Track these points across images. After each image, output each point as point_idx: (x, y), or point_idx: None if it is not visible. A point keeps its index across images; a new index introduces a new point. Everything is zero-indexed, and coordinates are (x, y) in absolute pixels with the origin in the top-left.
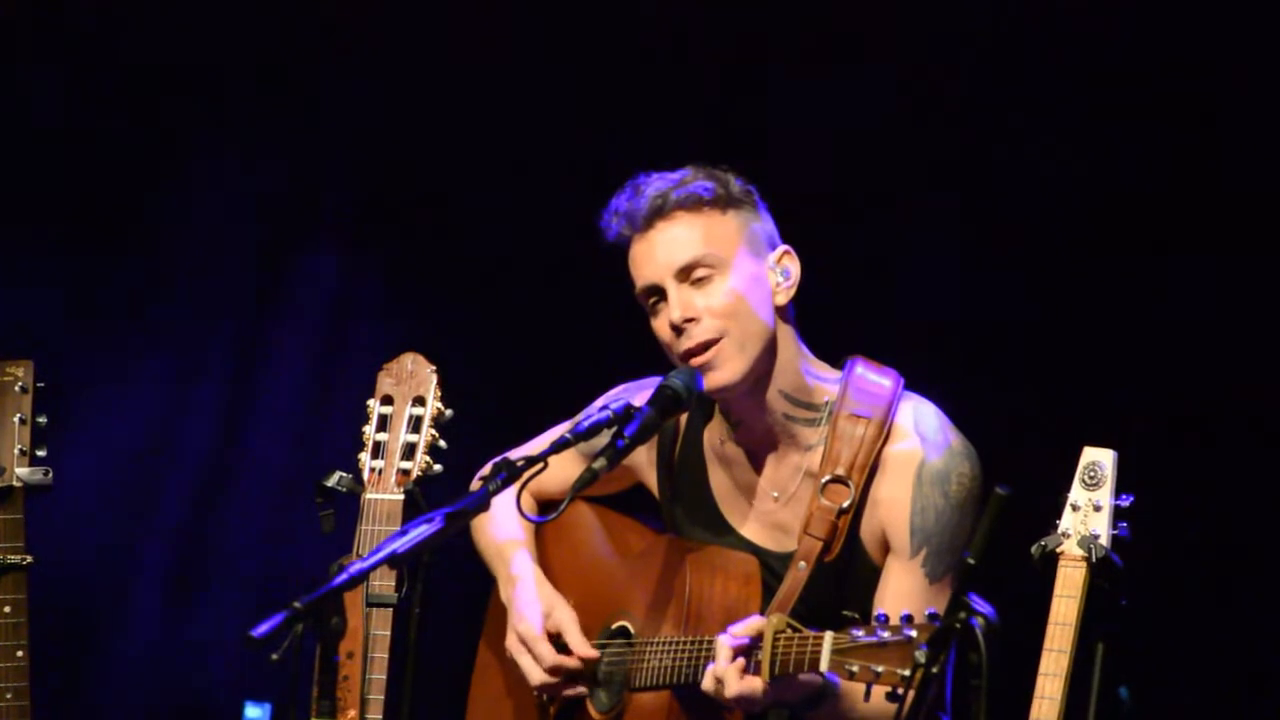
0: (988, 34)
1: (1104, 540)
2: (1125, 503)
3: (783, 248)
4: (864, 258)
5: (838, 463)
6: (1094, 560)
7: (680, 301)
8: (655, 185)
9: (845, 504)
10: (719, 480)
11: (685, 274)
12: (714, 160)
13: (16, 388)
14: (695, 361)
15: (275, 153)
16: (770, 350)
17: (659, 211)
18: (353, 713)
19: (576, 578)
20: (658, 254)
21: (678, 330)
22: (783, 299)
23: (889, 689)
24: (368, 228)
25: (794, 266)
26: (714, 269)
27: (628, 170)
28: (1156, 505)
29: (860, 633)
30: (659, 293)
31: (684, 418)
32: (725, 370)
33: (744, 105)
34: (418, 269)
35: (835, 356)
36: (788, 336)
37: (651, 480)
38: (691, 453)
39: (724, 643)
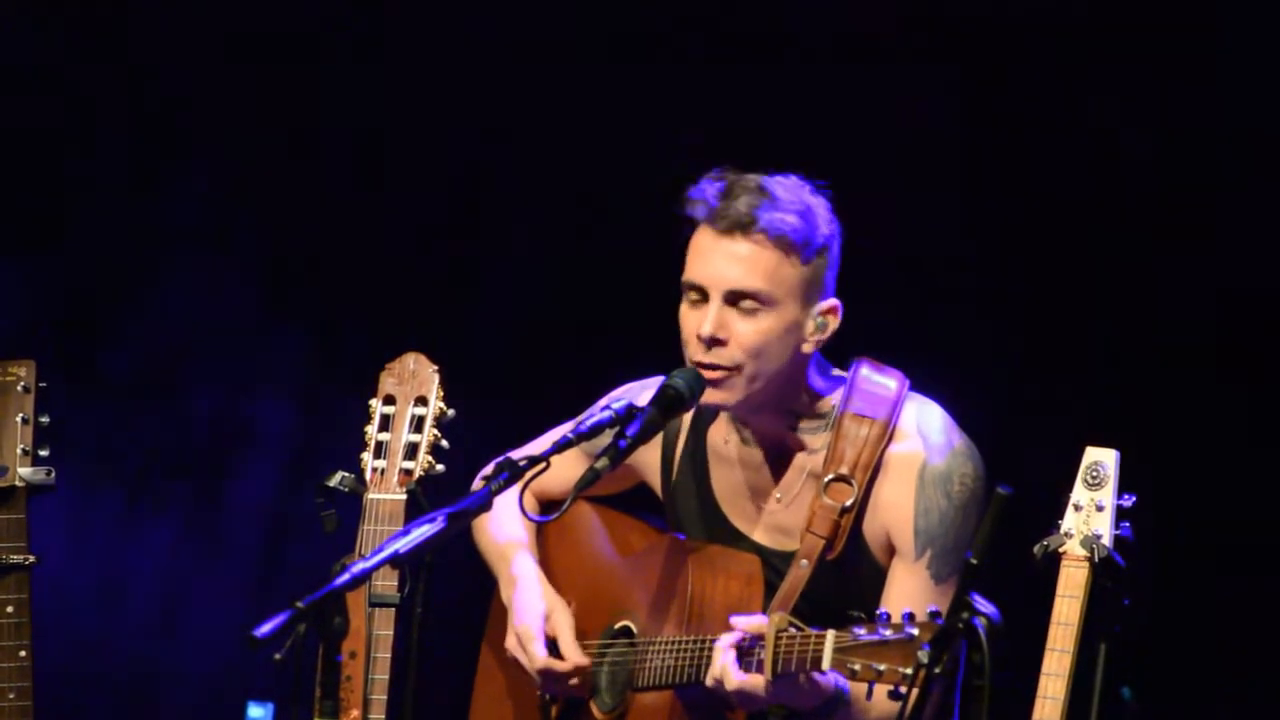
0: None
1: (1106, 540)
2: (1128, 502)
3: (832, 301)
4: (864, 256)
5: (841, 462)
6: (1096, 560)
7: (717, 319)
8: (752, 196)
9: (848, 502)
10: (722, 480)
11: (735, 297)
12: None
13: (19, 387)
14: (705, 376)
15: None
16: (778, 381)
17: (743, 226)
18: (355, 713)
19: (579, 578)
20: (720, 263)
21: (701, 339)
22: (809, 348)
23: (891, 687)
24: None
25: (834, 323)
26: (763, 306)
27: (637, 168)
28: (1159, 505)
29: (862, 631)
30: (702, 293)
31: (687, 417)
32: (728, 396)
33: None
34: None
35: (843, 356)
36: (800, 367)
37: (654, 480)
38: (694, 452)
39: (726, 638)
